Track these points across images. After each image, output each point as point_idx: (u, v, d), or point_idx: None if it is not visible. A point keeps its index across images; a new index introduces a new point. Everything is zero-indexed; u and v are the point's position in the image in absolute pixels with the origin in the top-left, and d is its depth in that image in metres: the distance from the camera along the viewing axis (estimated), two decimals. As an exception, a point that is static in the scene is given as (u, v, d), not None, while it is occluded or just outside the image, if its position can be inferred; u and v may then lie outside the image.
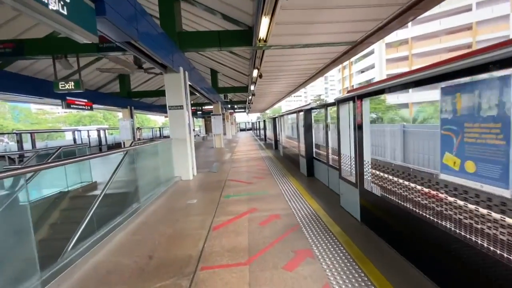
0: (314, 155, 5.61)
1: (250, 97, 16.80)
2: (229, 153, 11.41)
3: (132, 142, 11.36)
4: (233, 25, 6.69)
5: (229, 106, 24.32)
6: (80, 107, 10.81)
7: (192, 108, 24.32)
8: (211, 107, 15.93)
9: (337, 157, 3.87)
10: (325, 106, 4.58)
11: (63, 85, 6.25)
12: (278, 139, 11.35)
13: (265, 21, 4.49)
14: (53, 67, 6.37)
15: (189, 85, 8.12)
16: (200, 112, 25.31)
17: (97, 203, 3.27)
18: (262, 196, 4.45)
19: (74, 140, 14.90)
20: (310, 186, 4.94)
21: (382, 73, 46.30)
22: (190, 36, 6.27)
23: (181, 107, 6.14)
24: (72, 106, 10.27)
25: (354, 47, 6.99)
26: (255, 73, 9.06)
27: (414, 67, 38.12)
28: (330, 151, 4.59)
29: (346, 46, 6.79)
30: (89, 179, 6.30)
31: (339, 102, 3.53)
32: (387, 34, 6.23)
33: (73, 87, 6.26)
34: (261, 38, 5.62)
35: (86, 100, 11.21)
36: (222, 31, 6.23)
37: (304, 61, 8.46)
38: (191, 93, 12.89)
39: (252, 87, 12.06)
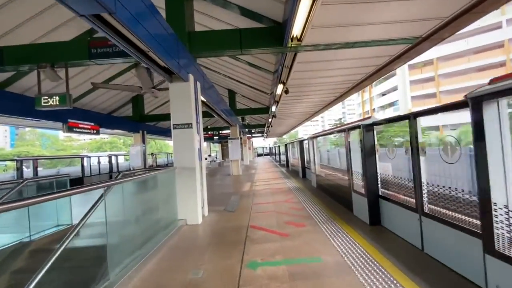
0: (380, 193, 3.77)
1: (270, 120, 15.37)
2: (248, 182, 9.68)
3: (131, 171, 9.99)
4: (255, 22, 5.36)
5: (246, 130, 23.05)
6: (85, 130, 9.75)
7: (210, 132, 23.31)
8: (228, 131, 14.56)
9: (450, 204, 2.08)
10: (411, 116, 2.86)
11: (46, 101, 5.01)
12: (307, 166, 9.54)
13: (304, 3, 3.02)
14: (37, 80, 5.22)
15: (205, 102, 6.76)
16: (217, 137, 24.27)
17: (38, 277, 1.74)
18: (313, 267, 2.63)
19: (82, 167, 13.87)
20: (385, 243, 3.07)
21: (406, 95, 44.12)
22: (204, 37, 4.96)
23: (189, 125, 4.64)
24: (75, 129, 9.21)
25: (414, 47, 5.36)
26: (279, 89, 7.60)
27: (441, 88, 35.72)
28: (423, 190, 2.76)
29: (405, 45, 5.18)
30: (68, 221, 4.77)
31: (481, 99, 1.82)
32: (460, 28, 4.60)
33: (57, 103, 5.00)
34: (295, 35, 4.17)
35: (92, 124, 10.19)
36: (244, 29, 4.86)
37: (342, 70, 6.90)
38: (209, 115, 11.70)
39: (273, 108, 10.61)
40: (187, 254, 3.21)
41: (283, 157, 18.72)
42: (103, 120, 11.31)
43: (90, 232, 3.11)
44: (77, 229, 2.84)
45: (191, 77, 4.74)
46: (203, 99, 6.29)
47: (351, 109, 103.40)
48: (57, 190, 1.99)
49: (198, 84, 5.24)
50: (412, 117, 2.83)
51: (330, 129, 5.94)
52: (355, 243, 3.17)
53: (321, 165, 7.11)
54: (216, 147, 42.48)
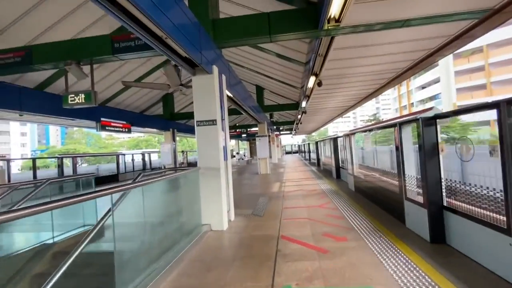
0: (445, 204, 3.01)
1: (299, 116, 14.62)
2: (277, 182, 9.13)
3: (161, 169, 10.02)
4: (284, 4, 4.79)
5: (274, 127, 22.46)
6: (117, 129, 9.96)
7: (237, 130, 23.13)
8: (256, 129, 14.11)
9: None
10: (501, 104, 2.10)
11: (72, 99, 4.96)
12: (342, 165, 8.73)
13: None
14: (64, 79, 5.21)
15: (231, 98, 6.34)
16: (245, 135, 24.00)
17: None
18: (364, 300, 2.04)
19: (117, 164, 14.44)
20: (459, 271, 2.35)
21: (450, 87, 40.03)
22: (229, 24, 4.50)
23: (213, 122, 4.24)
24: (107, 128, 9.43)
25: (480, 23, 4.37)
26: (311, 81, 6.94)
27: (492, 79, 31.69)
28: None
29: (470, 20, 4.23)
30: (94, 222, 4.67)
31: None
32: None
33: (83, 101, 4.93)
34: (332, 15, 3.55)
35: (124, 122, 10.40)
36: (273, 12, 4.31)
37: (384, 57, 6.01)
38: (236, 112, 11.38)
39: (304, 103, 9.92)
40: (210, 269, 2.78)
41: (313, 156, 17.85)
42: (135, 119, 11.53)
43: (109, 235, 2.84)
44: (91, 235, 2.56)
45: (215, 68, 4.32)
46: (229, 93, 5.87)
47: (386, 104, 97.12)
48: (62, 198, 1.66)
49: (223, 77, 4.82)
50: (505, 105, 2.07)
51: (373, 123, 5.13)
52: (416, 268, 2.49)
53: (360, 166, 6.31)
54: (245, 145, 42.56)
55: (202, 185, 4.17)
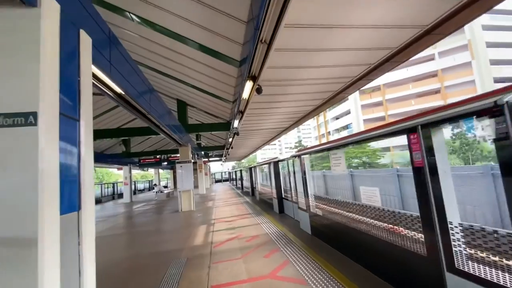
0: None
1: (230, 139, 12.67)
2: (203, 225, 6.57)
3: None
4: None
5: (202, 153, 19.83)
6: None
7: (157, 156, 19.35)
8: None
9: None
10: None
11: None
12: (286, 196, 6.92)
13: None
14: None
15: (129, 100, 3.81)
16: (166, 163, 20.34)
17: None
18: None
19: None
20: None
21: (359, 118, 46.36)
22: None
23: (26, 118, 1.67)
24: None
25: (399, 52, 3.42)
26: (248, 88, 5.12)
27: (389, 112, 37.95)
28: None
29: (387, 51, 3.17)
30: None
31: None
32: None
33: None
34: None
35: None
36: None
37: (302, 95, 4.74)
38: (152, 132, 8.44)
39: (236, 123, 8.04)
40: None
41: (246, 184, 15.95)
42: None
43: None
44: None
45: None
46: (116, 87, 3.39)
47: (306, 133, 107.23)
48: None
49: (86, 37, 2.36)
50: None
51: (343, 138, 3.40)
52: None
53: (321, 199, 4.50)
54: (168, 174, 37.58)
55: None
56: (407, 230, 2.38)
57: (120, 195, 20.44)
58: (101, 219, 10.11)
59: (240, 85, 6.12)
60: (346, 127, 51.88)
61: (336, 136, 53.79)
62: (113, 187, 23.58)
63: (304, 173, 4.70)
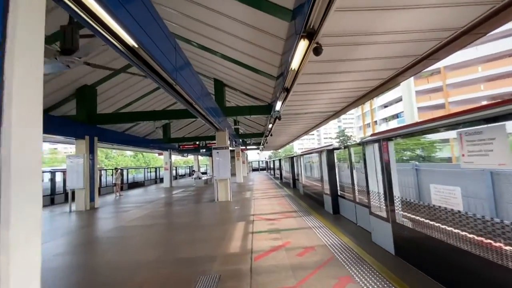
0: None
1: (270, 125, 11.40)
2: (241, 222, 5.52)
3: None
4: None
5: (240, 140, 18.97)
6: None
7: (196, 143, 19.07)
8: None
9: None
10: None
11: None
12: (342, 194, 5.48)
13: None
14: None
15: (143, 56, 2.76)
16: (204, 150, 19.98)
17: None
18: None
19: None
20: None
21: (412, 106, 41.30)
22: None
23: None
24: None
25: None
26: (301, 48, 3.73)
27: (450, 99, 32.80)
28: None
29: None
30: None
31: None
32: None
33: None
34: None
35: None
36: None
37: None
38: (188, 114, 7.59)
39: (278, 104, 6.74)
40: None
41: (286, 174, 14.69)
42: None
43: None
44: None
45: None
46: (111, 21, 2.35)
47: (348, 123, 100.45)
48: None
49: None
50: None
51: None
52: None
53: (417, 207, 3.01)
54: (208, 161, 38.05)
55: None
56: None
57: (162, 180, 20.85)
58: (138, 204, 9.84)
59: (288, 52, 4.73)
60: (396, 116, 46.83)
61: (383, 126, 49.08)
62: (156, 171, 24.35)
63: (386, 165, 3.23)
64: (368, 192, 3.81)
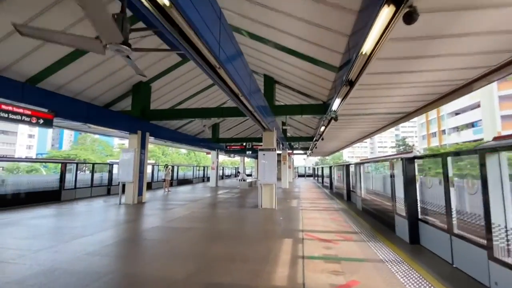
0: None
1: (323, 128, 10.15)
2: (287, 239, 4.56)
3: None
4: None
5: (287, 143, 17.96)
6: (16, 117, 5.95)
7: (243, 144, 18.76)
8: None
9: None
10: None
11: None
12: (423, 217, 4.12)
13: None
14: None
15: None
16: (250, 152, 19.53)
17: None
18: None
19: (61, 177, 10.39)
20: None
21: (494, 113, 34.62)
22: None
23: None
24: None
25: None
26: (384, 14, 2.67)
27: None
28: None
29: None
30: None
31: None
32: None
33: None
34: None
35: (37, 109, 6.42)
36: None
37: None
38: (235, 112, 7.02)
39: (337, 102, 5.63)
40: None
41: (338, 184, 13.17)
42: (92, 114, 7.68)
43: None
44: None
45: None
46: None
47: (408, 131, 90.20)
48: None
49: None
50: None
51: None
52: None
53: None
54: (253, 163, 37.82)
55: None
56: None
57: (209, 179, 21.23)
58: (182, 202, 9.67)
59: (360, 30, 3.61)
60: (471, 125, 39.88)
61: (454, 136, 42.31)
62: (204, 170, 24.99)
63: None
64: (488, 226, 2.51)
